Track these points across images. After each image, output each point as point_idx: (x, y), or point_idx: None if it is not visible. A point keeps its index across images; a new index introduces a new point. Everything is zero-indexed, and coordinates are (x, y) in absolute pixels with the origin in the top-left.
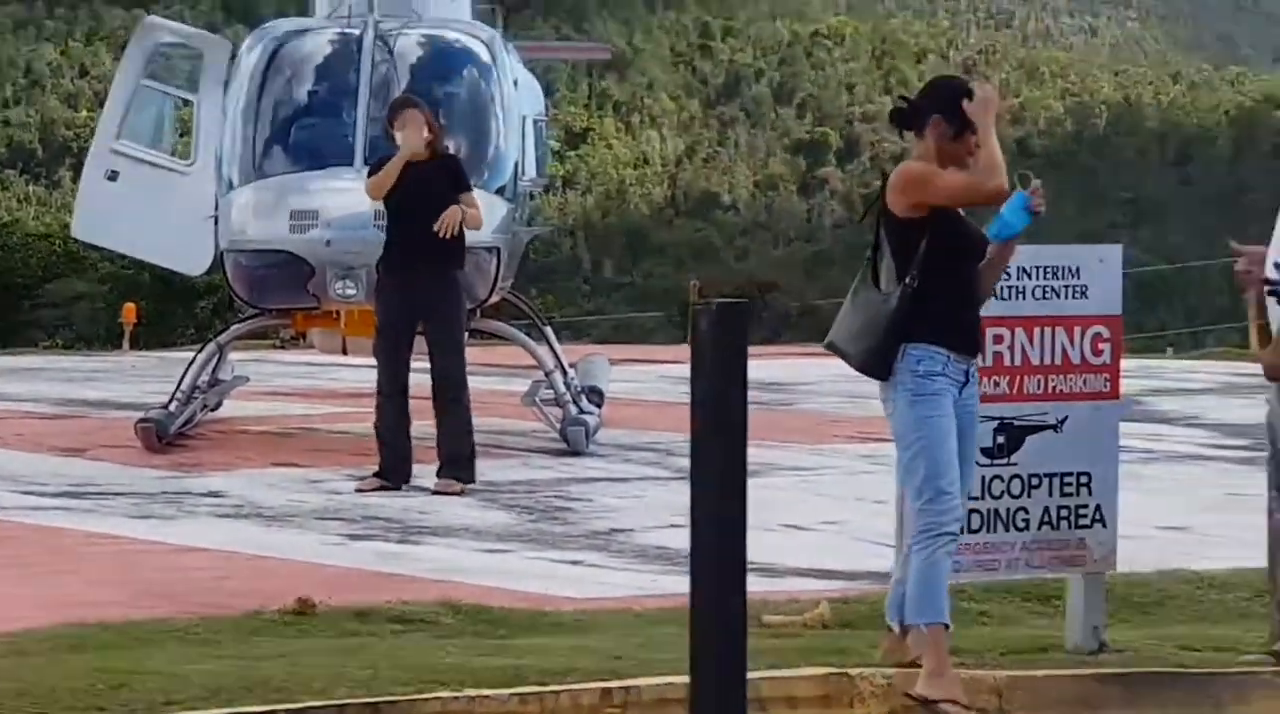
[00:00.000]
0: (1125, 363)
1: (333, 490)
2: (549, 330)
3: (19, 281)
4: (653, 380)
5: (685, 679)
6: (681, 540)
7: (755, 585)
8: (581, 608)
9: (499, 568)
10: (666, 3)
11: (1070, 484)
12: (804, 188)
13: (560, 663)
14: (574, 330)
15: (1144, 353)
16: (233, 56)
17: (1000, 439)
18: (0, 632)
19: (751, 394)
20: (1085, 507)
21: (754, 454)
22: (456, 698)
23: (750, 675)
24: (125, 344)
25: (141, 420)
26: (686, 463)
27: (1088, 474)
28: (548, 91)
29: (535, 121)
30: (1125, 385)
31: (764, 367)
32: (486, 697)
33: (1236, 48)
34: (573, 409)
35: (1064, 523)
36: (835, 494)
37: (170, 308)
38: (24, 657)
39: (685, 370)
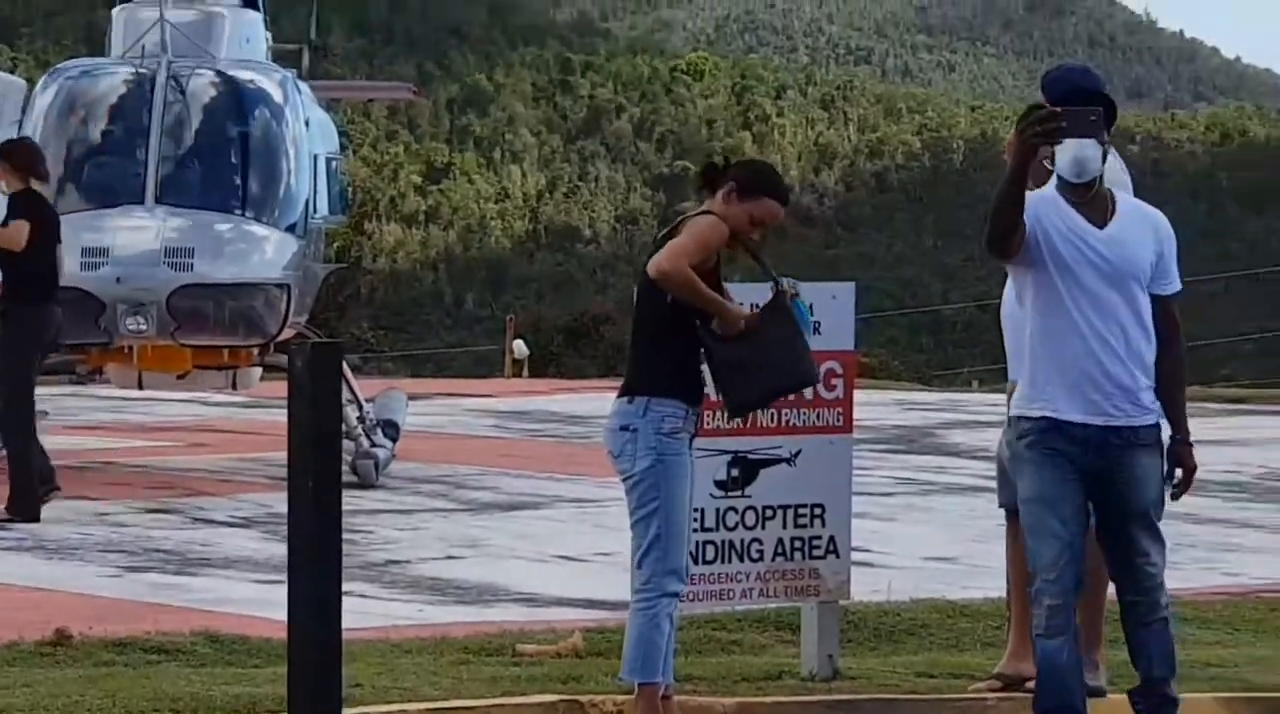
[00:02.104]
0: (932, 397)
1: (119, 523)
2: (344, 364)
3: None
4: (458, 413)
5: (413, 705)
6: (456, 572)
7: (515, 615)
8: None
9: (268, 599)
10: (527, 39)
11: (804, 516)
12: (664, 222)
13: None
14: (437, 363)
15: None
16: (28, 97)
17: (734, 472)
18: None
19: (551, 427)
20: (819, 538)
21: (540, 486)
22: None
23: (480, 703)
24: None
25: None
26: (474, 495)
27: (821, 506)
28: (411, 127)
29: (329, 160)
30: (926, 418)
31: (576, 400)
32: None
33: None
34: (364, 442)
35: (798, 553)
36: (615, 526)
37: None
38: None
39: (493, 403)
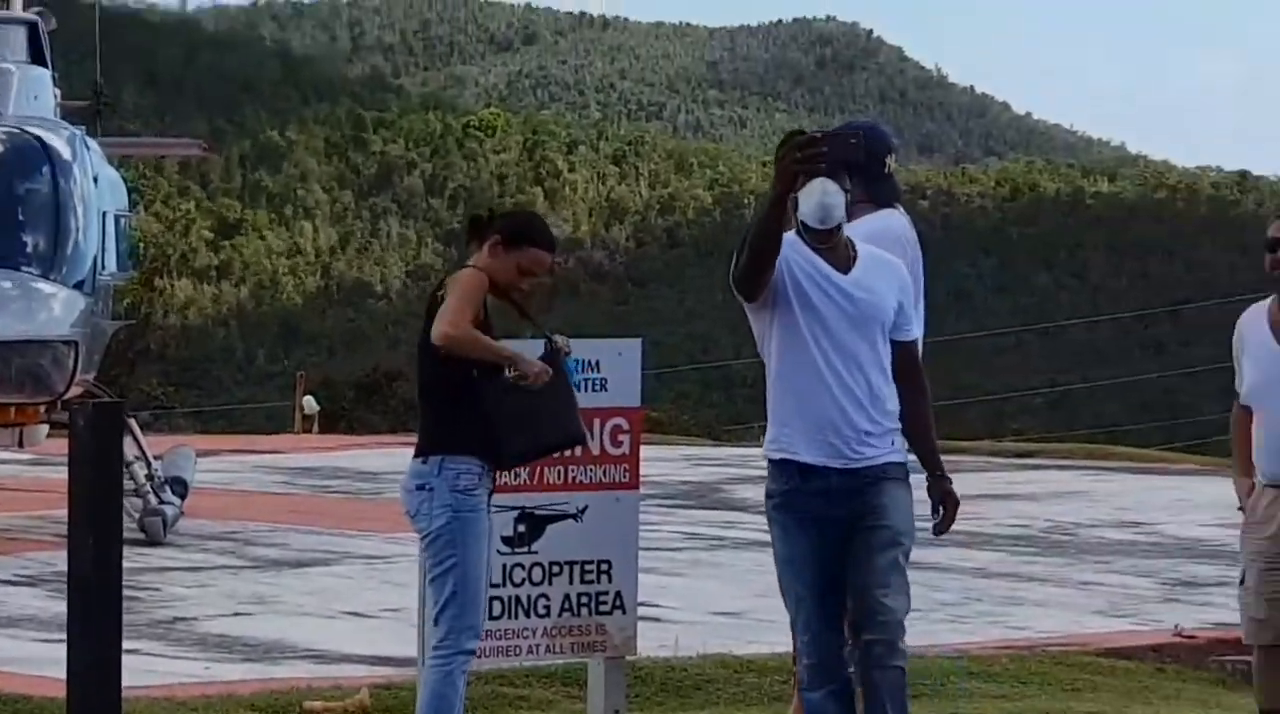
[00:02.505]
0: (720, 452)
1: None
2: (133, 422)
3: None
4: (248, 470)
5: None
6: (244, 629)
7: (303, 672)
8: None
9: (53, 657)
10: (320, 94)
11: (591, 572)
12: None
13: None
14: (228, 419)
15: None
16: None
17: (521, 528)
18: None
19: (341, 484)
20: (605, 593)
21: (329, 542)
22: None
23: None
24: None
25: None
26: (263, 552)
27: (608, 562)
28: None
29: (117, 217)
30: (714, 473)
31: (365, 456)
32: None
33: None
34: (152, 499)
35: (584, 609)
36: (402, 582)
37: None
38: None
39: (282, 460)
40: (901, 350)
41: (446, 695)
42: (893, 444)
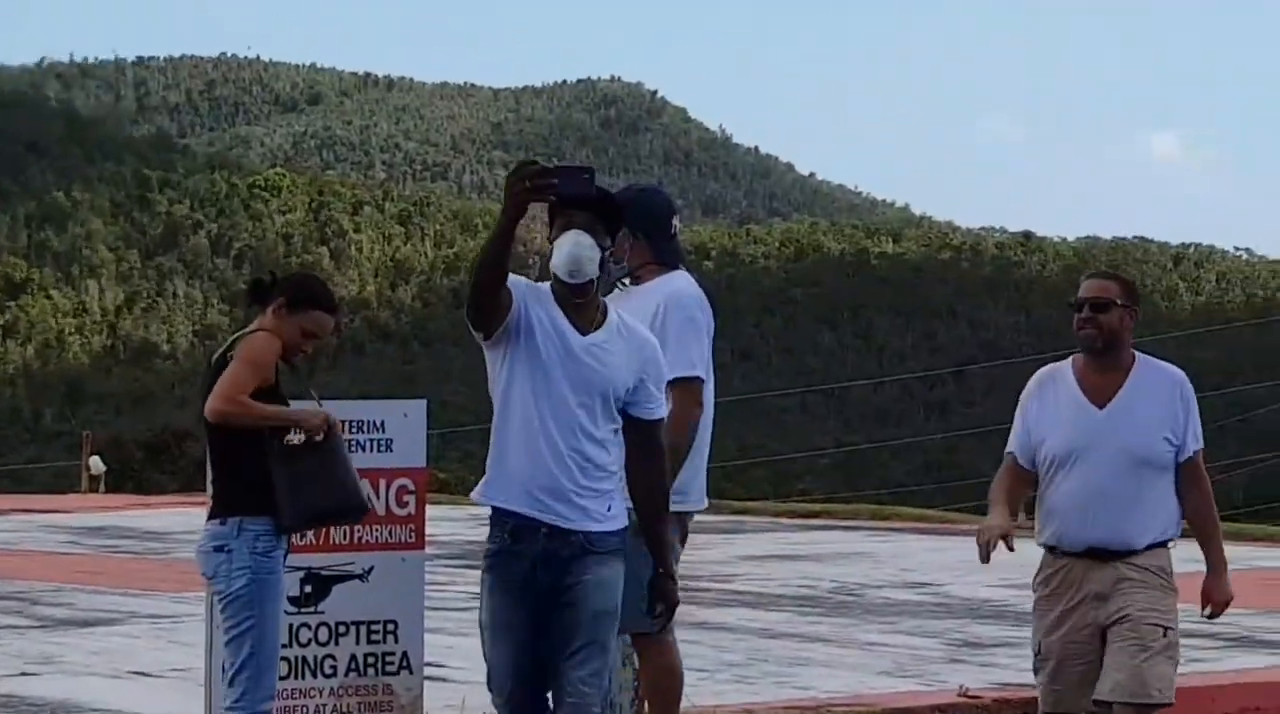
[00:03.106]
0: None
1: None
2: None
3: None
4: (33, 530)
5: None
6: (31, 689)
7: None
8: None
9: None
10: (105, 154)
11: (377, 632)
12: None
13: None
14: (15, 478)
15: None
16: None
17: (308, 588)
18: None
19: (128, 544)
20: (392, 653)
21: (117, 602)
22: None
23: None
24: None
25: None
26: (49, 611)
27: (395, 622)
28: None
29: None
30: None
31: (152, 516)
32: None
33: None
34: None
35: (371, 669)
36: (190, 642)
37: None
38: None
39: (68, 519)
40: (641, 428)
41: None
42: (609, 509)
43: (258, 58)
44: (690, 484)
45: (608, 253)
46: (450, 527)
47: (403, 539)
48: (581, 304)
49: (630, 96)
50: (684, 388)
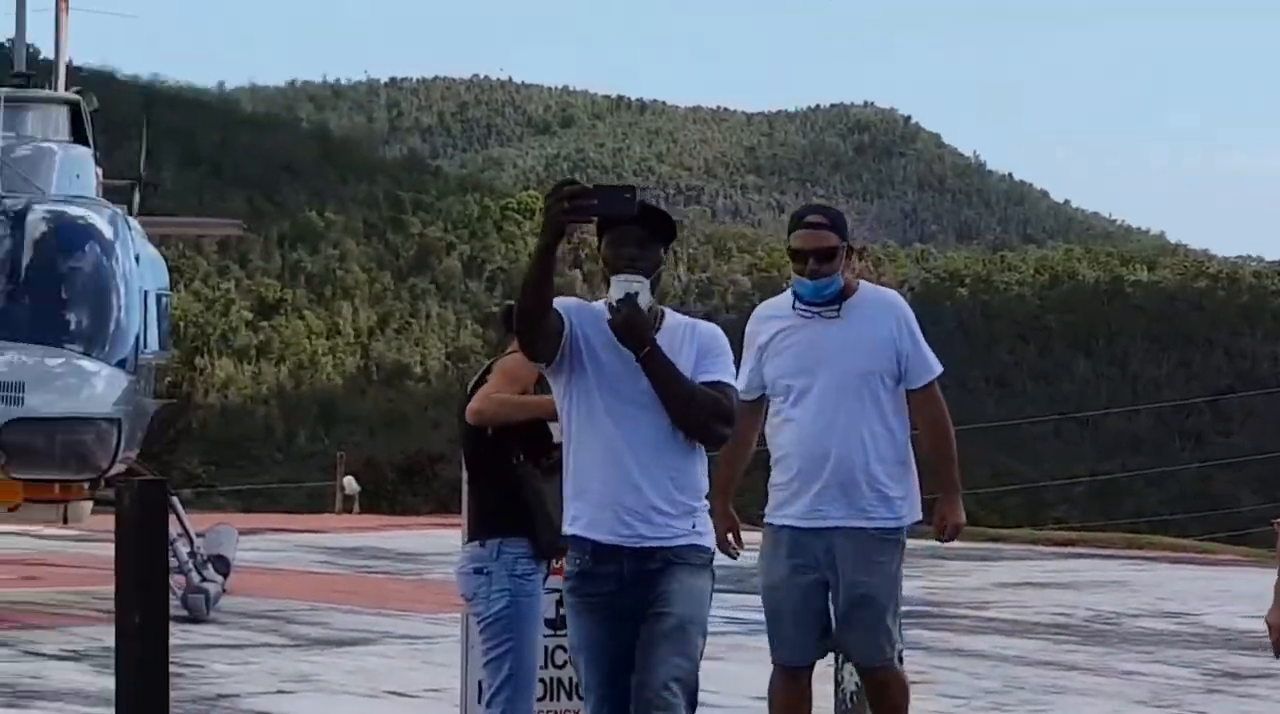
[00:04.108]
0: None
1: None
2: (175, 500)
3: None
4: (289, 549)
5: None
6: (286, 707)
7: None
8: None
9: None
10: (358, 175)
11: None
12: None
13: None
14: (268, 497)
15: None
16: None
17: (563, 610)
18: None
19: (382, 564)
20: None
21: (370, 622)
22: None
23: None
24: None
25: None
26: (305, 630)
27: None
28: (242, 262)
29: (159, 296)
30: (754, 558)
31: (406, 537)
32: None
33: (923, 224)
34: (195, 577)
35: None
36: (444, 662)
37: None
38: None
39: (324, 539)
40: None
41: None
42: (694, 527)
43: (510, 79)
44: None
45: (660, 270)
46: None
47: None
48: None
49: (883, 122)
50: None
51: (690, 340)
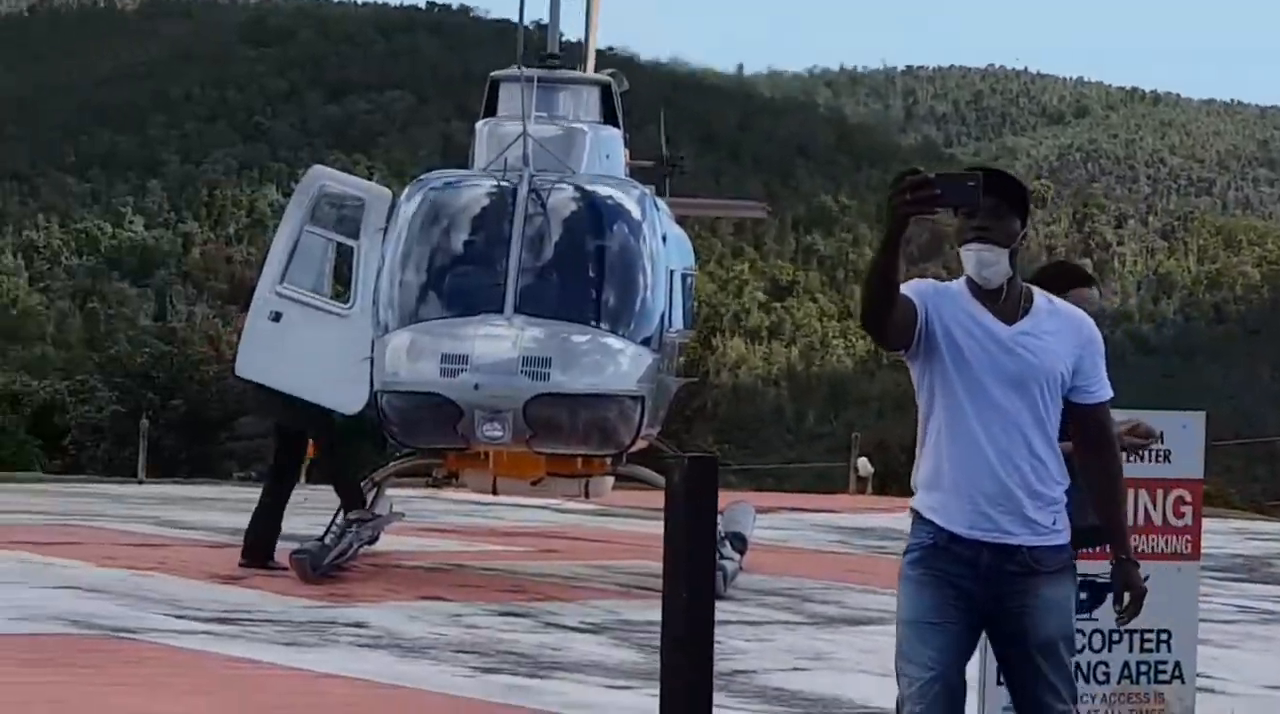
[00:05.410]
0: (1272, 526)
1: (472, 624)
2: None
3: (214, 415)
4: (803, 528)
5: None
6: (802, 683)
7: None
8: None
9: (618, 704)
10: (873, 162)
11: (1150, 641)
12: None
13: None
14: (776, 477)
15: None
16: (393, 206)
17: (1083, 595)
18: None
19: (895, 545)
20: (1165, 663)
21: (885, 602)
22: None
23: None
24: (302, 477)
25: (295, 552)
26: (820, 608)
27: (1168, 631)
28: (756, 245)
29: (683, 276)
30: (1265, 547)
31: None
32: None
33: None
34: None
35: (1143, 678)
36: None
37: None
38: None
39: (837, 519)
40: (1086, 415)
41: None
42: (1054, 523)
43: (1025, 69)
44: None
45: (1019, 241)
46: (1214, 540)
47: (1178, 550)
48: (1000, 296)
49: None
50: None
51: (1065, 330)
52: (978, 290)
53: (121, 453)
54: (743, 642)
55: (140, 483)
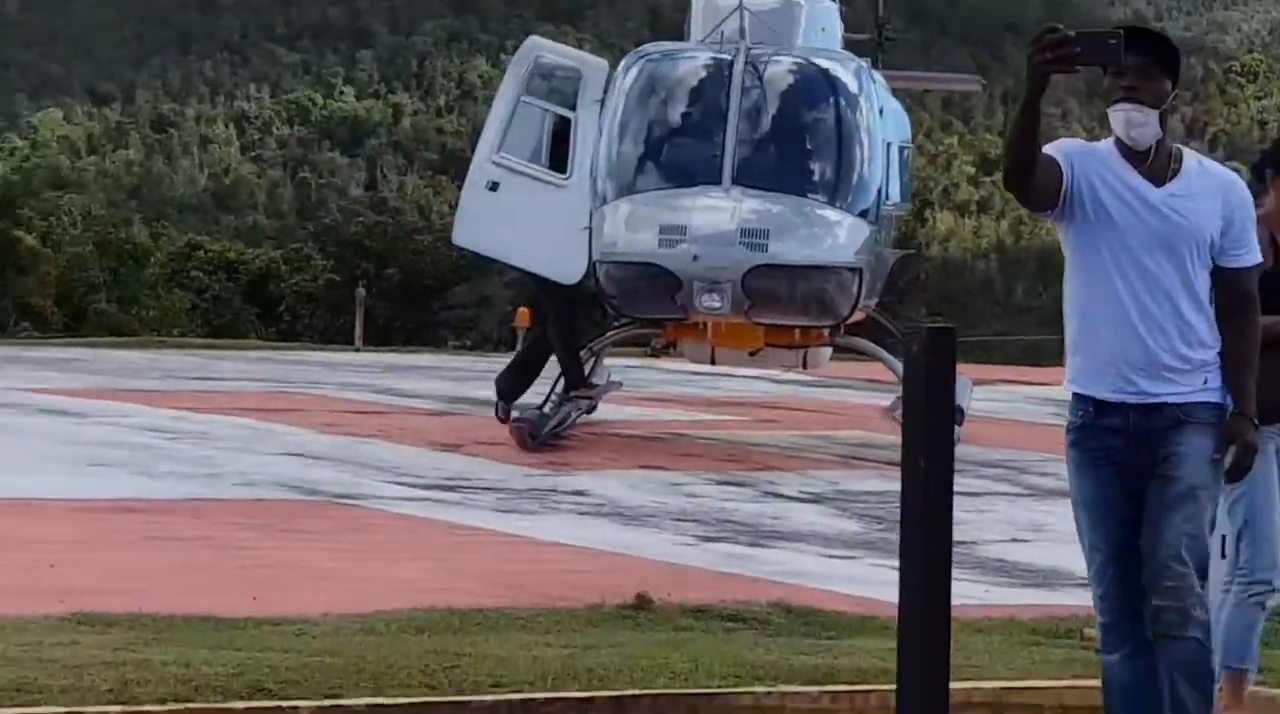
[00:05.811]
0: None
1: (692, 493)
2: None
3: (429, 284)
4: (1017, 401)
5: (986, 683)
6: (1021, 554)
7: (1082, 599)
8: None
9: (838, 573)
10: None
11: None
12: None
13: (875, 665)
14: (986, 350)
15: None
16: (609, 77)
17: None
18: (354, 613)
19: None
20: None
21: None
22: (769, 693)
23: (1054, 684)
24: (519, 346)
25: (516, 420)
26: (1037, 481)
27: None
28: (965, 119)
29: (900, 149)
30: None
31: None
32: (798, 693)
33: None
34: None
35: None
36: None
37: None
38: (371, 636)
39: (1052, 392)
40: (1231, 278)
41: (1236, 625)
42: (1205, 382)
43: None
44: None
45: (1169, 102)
46: None
47: None
48: (1149, 158)
49: None
50: None
51: (1216, 191)
52: (1127, 151)
53: (336, 321)
54: (961, 513)
55: (357, 351)
